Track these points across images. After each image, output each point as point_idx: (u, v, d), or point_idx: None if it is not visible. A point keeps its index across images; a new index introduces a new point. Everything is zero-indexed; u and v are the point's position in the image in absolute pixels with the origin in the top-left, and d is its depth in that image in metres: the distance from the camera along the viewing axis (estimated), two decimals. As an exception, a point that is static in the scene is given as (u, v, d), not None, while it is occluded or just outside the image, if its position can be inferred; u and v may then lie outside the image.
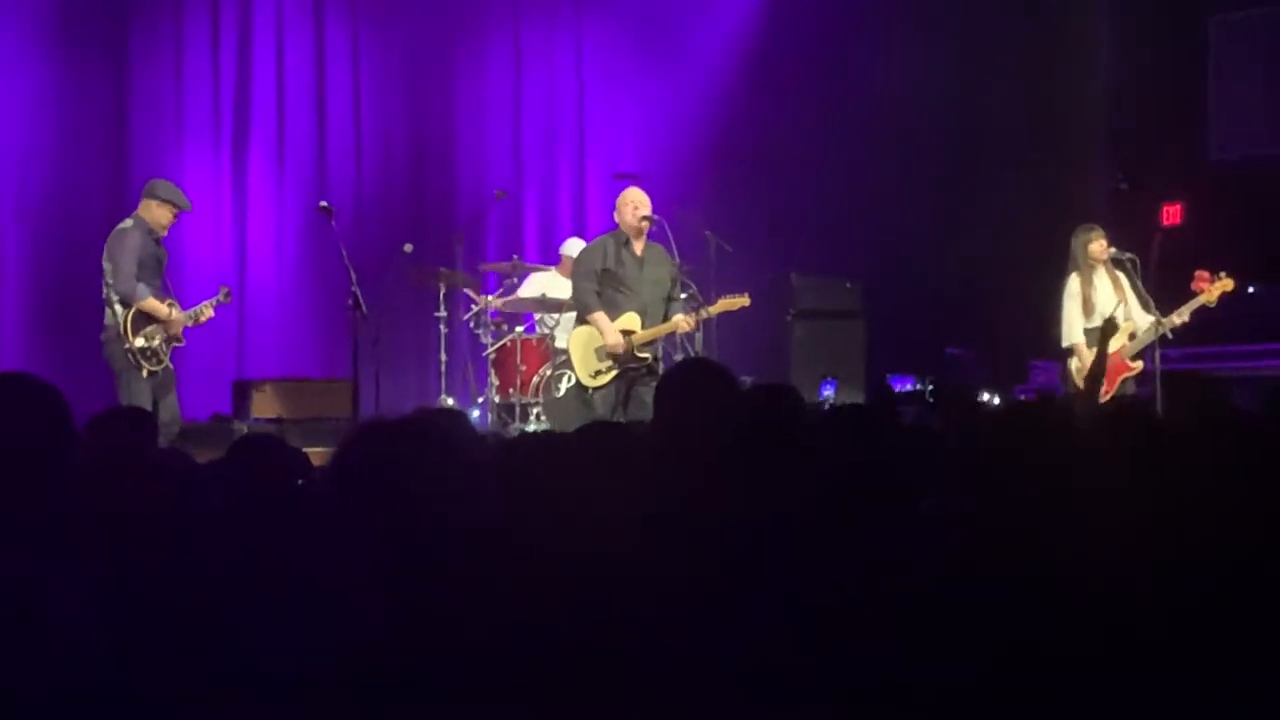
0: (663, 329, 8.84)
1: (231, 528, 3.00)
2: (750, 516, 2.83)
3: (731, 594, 2.48)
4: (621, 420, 8.44)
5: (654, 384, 8.59)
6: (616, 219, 9.00)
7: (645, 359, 8.77)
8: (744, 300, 9.02)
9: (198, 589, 2.63)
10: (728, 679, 2.28)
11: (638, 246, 8.88)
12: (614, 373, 8.68)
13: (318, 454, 4.84)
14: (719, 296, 9.22)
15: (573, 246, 10.62)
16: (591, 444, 3.01)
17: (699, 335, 10.22)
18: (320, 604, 2.38)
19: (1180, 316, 9.12)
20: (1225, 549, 2.64)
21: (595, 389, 8.73)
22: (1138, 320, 9.27)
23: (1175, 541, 2.66)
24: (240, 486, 3.46)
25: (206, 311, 9.09)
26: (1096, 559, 2.58)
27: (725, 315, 10.03)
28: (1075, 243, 9.43)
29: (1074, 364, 9.37)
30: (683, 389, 3.44)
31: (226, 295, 9.30)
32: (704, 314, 9.09)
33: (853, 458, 3.15)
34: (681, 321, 8.81)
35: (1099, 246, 9.35)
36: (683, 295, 9.34)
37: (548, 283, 11.06)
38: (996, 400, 10.71)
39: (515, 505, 2.57)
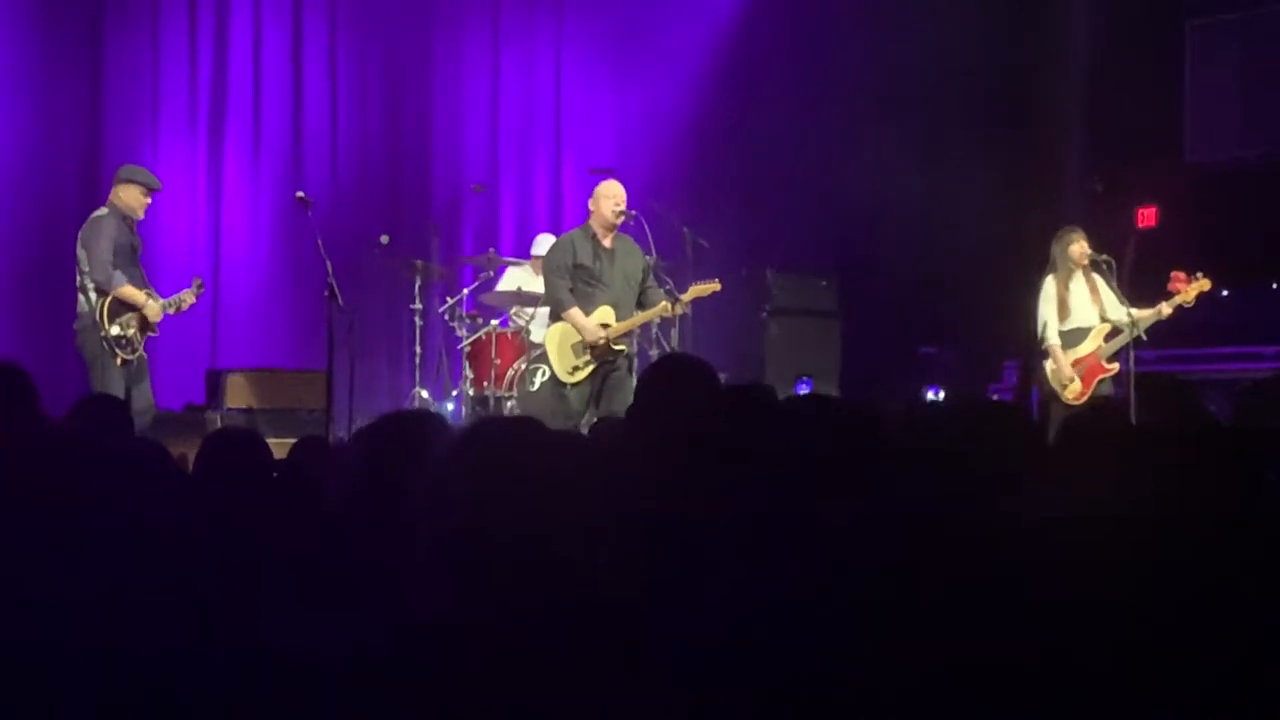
0: (643, 316, 8.78)
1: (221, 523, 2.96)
2: (719, 513, 2.81)
3: (692, 587, 2.44)
4: (595, 416, 8.41)
5: (627, 378, 8.61)
6: (591, 211, 8.89)
7: (621, 351, 8.73)
8: (715, 285, 8.95)
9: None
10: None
11: (607, 240, 8.81)
12: (591, 368, 8.63)
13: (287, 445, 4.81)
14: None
15: (543, 244, 10.55)
16: (570, 440, 2.99)
17: (674, 331, 10.21)
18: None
19: (1158, 313, 9.15)
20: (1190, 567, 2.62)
21: (572, 385, 8.67)
22: (1115, 320, 9.30)
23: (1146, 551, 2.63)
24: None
25: (188, 299, 9.08)
26: (1060, 564, 2.55)
27: (700, 312, 10.02)
28: (1056, 245, 9.45)
29: (1049, 365, 9.39)
30: (665, 382, 3.44)
31: (199, 286, 9.27)
32: (679, 308, 9.06)
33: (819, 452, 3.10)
34: (665, 305, 8.75)
35: (1079, 249, 9.37)
36: (661, 288, 9.31)
37: (523, 277, 11.03)
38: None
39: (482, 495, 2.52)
